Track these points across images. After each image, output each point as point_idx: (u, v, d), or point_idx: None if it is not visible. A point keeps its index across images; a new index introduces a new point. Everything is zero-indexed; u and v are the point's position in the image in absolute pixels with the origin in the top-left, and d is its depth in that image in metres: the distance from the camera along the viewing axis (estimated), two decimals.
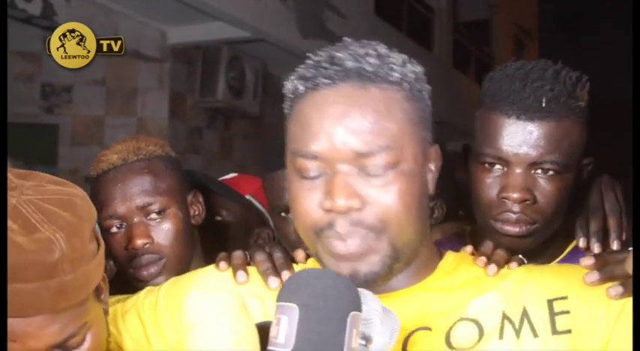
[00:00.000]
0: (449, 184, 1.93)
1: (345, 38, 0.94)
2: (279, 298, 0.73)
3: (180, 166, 1.55)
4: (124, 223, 1.44)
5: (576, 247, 1.33)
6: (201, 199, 1.57)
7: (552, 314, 0.95)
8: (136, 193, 1.43)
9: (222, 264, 1.08)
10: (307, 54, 0.94)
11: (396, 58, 0.93)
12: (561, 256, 1.33)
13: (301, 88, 0.92)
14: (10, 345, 0.83)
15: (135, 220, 1.42)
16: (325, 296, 0.71)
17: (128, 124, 6.05)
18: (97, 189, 1.45)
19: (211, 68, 6.25)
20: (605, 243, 1.29)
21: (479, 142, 1.26)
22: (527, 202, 1.21)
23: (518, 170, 1.21)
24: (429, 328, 0.94)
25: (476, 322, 0.94)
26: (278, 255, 1.08)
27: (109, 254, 1.43)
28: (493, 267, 1.00)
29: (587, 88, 1.24)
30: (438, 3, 9.58)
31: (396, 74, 0.91)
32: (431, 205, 1.89)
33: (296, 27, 6.16)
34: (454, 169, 2.00)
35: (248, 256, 1.10)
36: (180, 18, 5.70)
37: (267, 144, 6.52)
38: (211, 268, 1.11)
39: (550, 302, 0.95)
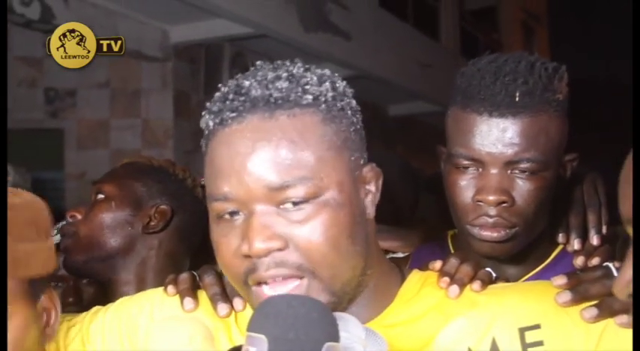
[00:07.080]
0: (403, 188, 1.84)
1: (259, 62, 0.89)
2: (249, 327, 0.66)
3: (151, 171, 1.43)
4: None
5: (564, 250, 1.25)
6: None
7: (524, 346, 0.86)
8: None
9: (170, 288, 0.99)
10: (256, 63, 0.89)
11: (312, 77, 0.87)
12: (548, 260, 1.25)
13: (211, 124, 0.86)
14: None
15: None
16: (296, 326, 0.64)
17: (133, 126, 6.01)
18: None
19: (215, 66, 6.18)
20: (585, 238, 1.22)
21: (451, 142, 1.18)
22: (505, 204, 1.14)
23: (493, 171, 1.13)
24: None
25: None
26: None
27: None
28: (454, 288, 0.91)
29: (566, 80, 1.17)
30: None
31: (309, 96, 0.85)
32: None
33: (298, 21, 6.08)
34: (412, 170, 1.92)
35: (197, 277, 1.01)
36: (181, 16, 5.65)
37: None
38: (161, 290, 1.02)
39: (522, 331, 0.87)
